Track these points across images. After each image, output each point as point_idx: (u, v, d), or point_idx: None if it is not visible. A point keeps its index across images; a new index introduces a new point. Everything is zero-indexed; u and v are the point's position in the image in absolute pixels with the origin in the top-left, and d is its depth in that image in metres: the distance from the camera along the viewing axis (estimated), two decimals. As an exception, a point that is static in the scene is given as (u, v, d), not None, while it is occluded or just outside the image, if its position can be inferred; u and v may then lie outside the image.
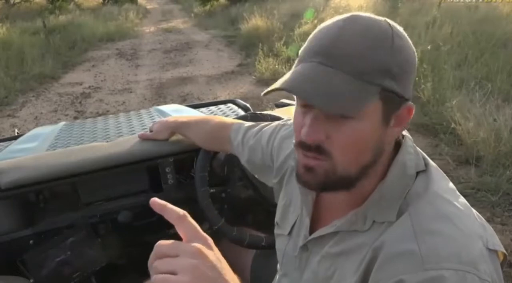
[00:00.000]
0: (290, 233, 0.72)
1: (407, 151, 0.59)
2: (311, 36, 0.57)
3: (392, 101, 0.54)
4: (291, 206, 0.74)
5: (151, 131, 1.19)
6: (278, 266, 0.78)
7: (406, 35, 0.56)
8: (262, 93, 0.57)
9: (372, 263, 0.53)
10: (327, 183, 0.56)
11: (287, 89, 0.52)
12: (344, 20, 0.54)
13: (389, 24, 0.54)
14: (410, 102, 0.56)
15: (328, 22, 0.56)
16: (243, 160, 0.94)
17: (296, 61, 0.58)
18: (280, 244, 0.75)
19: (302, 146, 0.56)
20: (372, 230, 0.57)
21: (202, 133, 1.07)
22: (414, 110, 0.57)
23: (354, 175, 0.56)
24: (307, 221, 0.67)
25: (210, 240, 0.49)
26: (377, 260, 0.52)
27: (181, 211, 0.49)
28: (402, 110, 0.56)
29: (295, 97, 0.59)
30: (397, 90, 0.53)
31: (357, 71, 0.51)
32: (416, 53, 0.57)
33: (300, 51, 0.58)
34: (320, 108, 0.52)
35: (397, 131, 0.57)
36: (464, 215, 0.54)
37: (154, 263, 0.45)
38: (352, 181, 0.56)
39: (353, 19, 0.54)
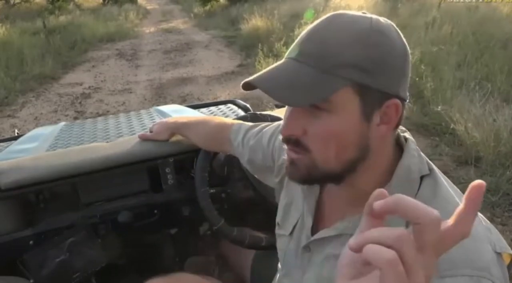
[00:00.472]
0: (291, 233, 0.72)
1: (411, 155, 0.58)
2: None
3: (371, 97, 0.53)
4: (293, 205, 0.74)
5: (151, 132, 1.19)
6: (279, 265, 0.78)
7: (393, 32, 0.55)
8: (241, 83, 0.59)
9: None
10: (310, 176, 0.58)
11: (254, 83, 0.55)
12: (327, 17, 0.56)
13: (371, 21, 0.54)
14: (395, 100, 0.54)
15: (317, 20, 0.57)
16: (244, 161, 0.94)
17: None
18: (281, 244, 0.75)
19: (283, 140, 0.59)
20: None
21: (202, 134, 1.07)
22: (402, 108, 0.55)
23: (339, 169, 0.56)
24: (309, 221, 0.67)
25: None
26: None
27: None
28: (386, 107, 0.54)
29: None
30: (374, 86, 0.53)
31: (324, 65, 0.52)
32: (407, 50, 0.56)
33: None
34: (279, 100, 0.54)
35: (385, 129, 0.56)
36: None
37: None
38: (338, 175, 0.57)
39: (336, 16, 0.55)
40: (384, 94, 0.54)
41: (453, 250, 0.48)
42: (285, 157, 0.71)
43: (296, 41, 0.57)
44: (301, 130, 0.55)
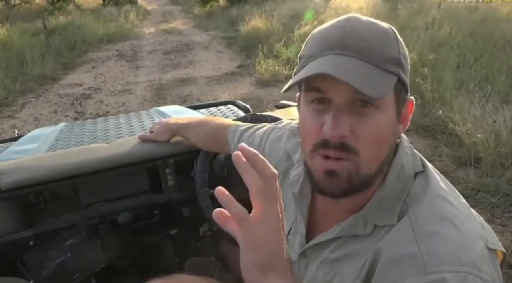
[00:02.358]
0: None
1: (404, 152, 0.59)
2: (312, 37, 0.57)
3: (402, 94, 0.55)
4: (286, 211, 0.72)
5: (151, 132, 1.19)
6: None
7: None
8: (285, 88, 0.54)
9: (373, 266, 0.53)
10: (351, 186, 0.53)
11: (328, 74, 0.49)
12: (347, 18, 0.55)
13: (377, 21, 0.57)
14: (411, 97, 0.57)
15: (326, 24, 0.57)
16: None
17: (302, 60, 0.57)
18: None
19: (324, 145, 0.52)
20: (373, 234, 0.56)
21: (202, 135, 1.07)
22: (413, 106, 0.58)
23: (374, 172, 0.54)
24: (302, 228, 0.66)
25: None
26: (378, 264, 0.52)
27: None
28: (407, 105, 0.57)
29: (301, 96, 0.58)
30: (405, 82, 0.55)
31: (376, 60, 0.51)
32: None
33: (303, 52, 0.58)
34: (361, 89, 0.48)
35: (402, 129, 0.57)
36: (463, 215, 0.54)
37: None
38: (371, 180, 0.55)
39: (355, 17, 0.55)
40: (407, 92, 0.56)
41: (442, 246, 0.49)
42: (296, 171, 0.68)
43: (321, 41, 0.54)
44: (348, 131, 0.51)
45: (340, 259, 0.58)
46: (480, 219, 0.57)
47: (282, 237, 0.45)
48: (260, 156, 0.44)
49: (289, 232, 0.69)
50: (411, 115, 0.58)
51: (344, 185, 0.53)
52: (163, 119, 1.24)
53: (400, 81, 0.53)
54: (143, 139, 1.18)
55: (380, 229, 0.55)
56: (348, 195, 0.55)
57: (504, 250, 0.55)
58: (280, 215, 0.45)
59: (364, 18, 0.55)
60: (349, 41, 0.52)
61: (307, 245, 0.64)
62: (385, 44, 0.53)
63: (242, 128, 0.95)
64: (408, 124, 0.59)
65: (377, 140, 0.53)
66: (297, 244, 0.66)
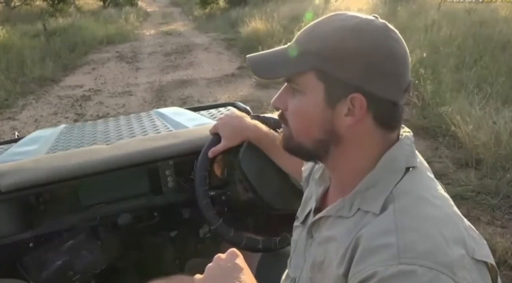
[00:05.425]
0: (303, 221, 0.74)
1: (400, 147, 0.60)
2: None
3: (335, 86, 0.58)
4: (311, 199, 0.76)
5: (215, 133, 1.05)
6: (288, 261, 0.79)
7: (381, 33, 0.58)
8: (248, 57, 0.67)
9: (354, 254, 0.54)
10: (288, 145, 0.67)
11: (248, 62, 0.66)
12: (330, 15, 0.63)
13: (360, 20, 0.58)
14: (359, 94, 0.56)
15: None
16: None
17: None
18: (295, 235, 0.77)
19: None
20: (356, 217, 0.58)
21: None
22: (366, 104, 0.57)
23: (310, 145, 0.63)
24: (313, 204, 0.71)
25: (234, 251, 0.66)
26: (357, 252, 0.53)
27: None
28: (351, 100, 0.57)
29: None
30: (337, 75, 0.57)
31: (296, 52, 0.61)
32: (396, 52, 0.57)
33: None
34: (257, 75, 0.64)
35: (350, 121, 0.58)
36: (449, 221, 0.53)
37: None
38: (311, 151, 0.64)
39: (338, 14, 0.62)
40: (350, 86, 0.57)
41: (420, 241, 0.49)
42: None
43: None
44: (284, 105, 0.65)
45: (330, 239, 0.62)
46: (474, 232, 0.56)
47: (224, 279, 0.61)
48: None
49: (307, 215, 0.74)
50: (361, 110, 0.57)
51: (283, 143, 0.68)
52: (223, 117, 1.07)
53: (322, 72, 0.58)
54: (215, 153, 1.04)
55: (363, 214, 0.58)
56: (291, 153, 0.68)
57: (493, 263, 0.53)
58: None
59: (346, 15, 0.60)
60: (299, 35, 0.64)
61: (310, 222, 0.69)
62: (321, 39, 0.59)
63: None
64: (361, 120, 0.58)
65: (299, 117, 0.63)
66: (309, 222, 0.70)
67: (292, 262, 0.76)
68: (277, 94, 0.66)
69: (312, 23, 0.63)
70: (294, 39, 0.64)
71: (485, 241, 0.56)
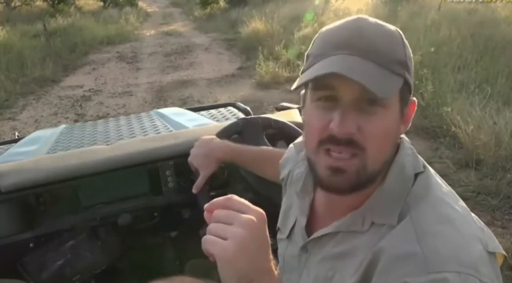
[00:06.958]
0: (288, 236, 0.72)
1: (405, 152, 0.59)
2: (320, 36, 0.58)
3: (405, 95, 0.56)
4: (291, 210, 0.74)
5: (191, 166, 1.05)
6: (277, 270, 0.77)
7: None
8: (295, 85, 0.55)
9: (373, 265, 0.53)
10: (359, 181, 0.54)
11: (341, 73, 0.50)
12: (355, 19, 0.56)
13: (387, 25, 0.57)
14: (414, 98, 0.58)
15: (334, 24, 0.58)
16: None
17: (310, 59, 0.57)
18: (280, 249, 0.75)
19: (330, 141, 0.53)
20: (371, 231, 0.56)
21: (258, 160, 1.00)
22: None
23: (378, 170, 0.55)
24: (303, 221, 0.67)
25: (263, 214, 0.54)
26: (379, 263, 0.52)
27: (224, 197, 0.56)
28: (409, 106, 0.58)
29: (307, 94, 0.59)
30: (411, 84, 0.56)
31: (382, 62, 0.52)
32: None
33: (311, 50, 0.58)
34: (371, 89, 0.49)
35: (403, 129, 0.58)
36: (463, 218, 0.54)
37: (210, 225, 0.52)
38: (375, 177, 0.56)
39: (363, 18, 0.56)
40: (410, 92, 0.57)
41: (443, 246, 0.49)
42: (299, 169, 0.71)
43: (329, 40, 0.56)
44: (356, 128, 0.52)
45: (340, 255, 0.59)
46: (480, 223, 0.58)
47: (259, 251, 0.52)
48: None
49: (292, 227, 0.70)
50: (412, 115, 0.59)
51: (352, 181, 0.54)
52: (192, 150, 1.04)
53: (406, 82, 0.55)
54: (198, 187, 1.04)
55: (378, 227, 0.56)
56: (354, 191, 0.56)
57: (504, 253, 0.56)
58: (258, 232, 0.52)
59: (372, 19, 0.56)
60: (356, 42, 0.53)
61: (308, 239, 0.65)
62: (392, 46, 0.54)
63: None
64: (410, 125, 0.60)
65: (382, 138, 0.54)
66: (299, 238, 0.67)
67: (283, 278, 0.72)
68: (340, 116, 0.52)
69: (354, 30, 0.54)
70: (349, 47, 0.53)
71: (490, 231, 0.58)
